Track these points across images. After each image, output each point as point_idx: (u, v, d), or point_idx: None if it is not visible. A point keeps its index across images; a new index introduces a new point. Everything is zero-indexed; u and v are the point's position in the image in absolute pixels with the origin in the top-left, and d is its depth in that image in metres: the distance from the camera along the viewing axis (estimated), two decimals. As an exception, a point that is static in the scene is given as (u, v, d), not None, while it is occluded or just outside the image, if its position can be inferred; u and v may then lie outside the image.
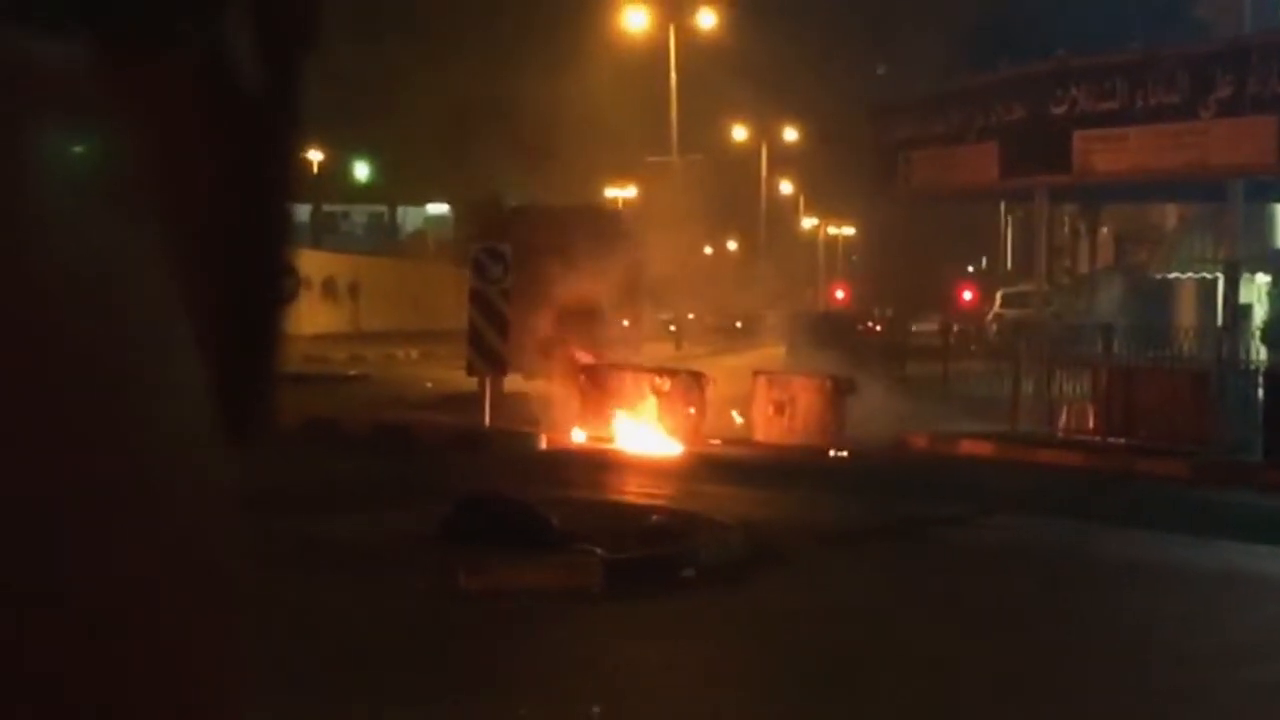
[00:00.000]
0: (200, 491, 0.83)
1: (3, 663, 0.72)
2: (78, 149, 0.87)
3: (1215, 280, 43.22)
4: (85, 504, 0.76)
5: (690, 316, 69.19)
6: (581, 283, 27.92)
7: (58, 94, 0.86)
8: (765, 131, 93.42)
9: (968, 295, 66.07)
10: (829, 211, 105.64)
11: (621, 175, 79.52)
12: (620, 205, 72.17)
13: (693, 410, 25.66)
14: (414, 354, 48.38)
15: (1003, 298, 57.06)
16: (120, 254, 0.83)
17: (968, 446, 25.90)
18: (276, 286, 1.05)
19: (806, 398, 26.41)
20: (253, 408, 1.03)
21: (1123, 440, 25.18)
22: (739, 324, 79.20)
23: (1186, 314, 43.57)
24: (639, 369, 27.82)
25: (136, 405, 0.80)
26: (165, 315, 0.84)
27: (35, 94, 0.84)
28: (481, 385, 23.57)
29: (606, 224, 34.03)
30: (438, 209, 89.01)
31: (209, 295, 0.97)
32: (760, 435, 26.47)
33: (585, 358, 27.89)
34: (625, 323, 30.86)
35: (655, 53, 66.79)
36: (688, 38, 67.43)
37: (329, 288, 59.75)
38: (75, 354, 0.78)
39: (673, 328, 69.37)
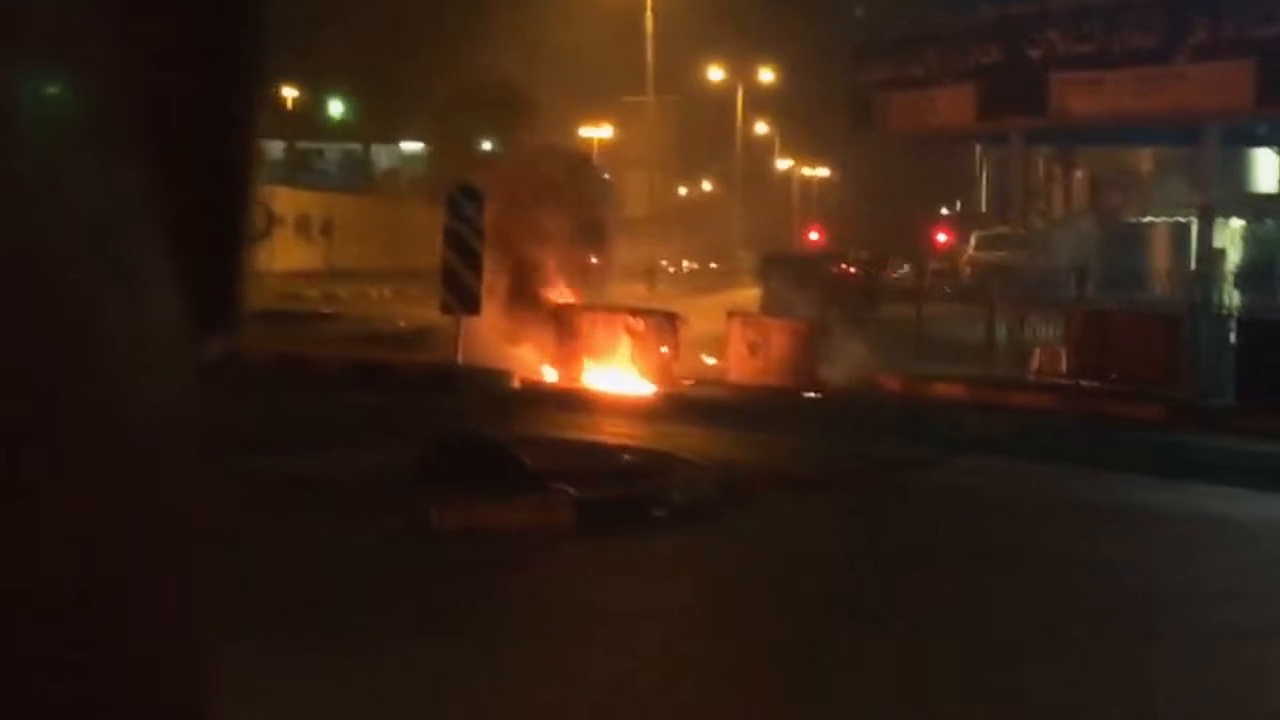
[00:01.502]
0: (169, 423, 0.82)
1: None
2: (49, 84, 0.85)
3: (1189, 224, 43.35)
4: (55, 427, 0.75)
5: (663, 263, 69.13)
6: (552, 222, 27.90)
7: (33, 30, 0.84)
8: (742, 72, 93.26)
9: (943, 237, 66.12)
10: (805, 153, 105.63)
11: (597, 115, 79.37)
12: (595, 145, 72.14)
13: (666, 351, 25.67)
14: (387, 292, 48.31)
15: (978, 240, 57.09)
16: (91, 179, 0.82)
17: (940, 389, 25.94)
18: (244, 183, 1.05)
19: (780, 339, 26.44)
20: (222, 300, 1.03)
21: (1095, 383, 25.24)
22: (713, 265, 79.25)
23: (1161, 257, 43.75)
24: (612, 309, 27.82)
25: (108, 323, 0.79)
26: (136, 237, 0.83)
27: (11, 29, 0.82)
28: (455, 324, 23.53)
29: (577, 166, 34.04)
30: (412, 147, 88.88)
31: (178, 194, 0.96)
32: (733, 376, 26.50)
33: (559, 297, 27.89)
34: (594, 260, 31.01)
35: (632, -8, 66.66)
36: (664, -24, 67.32)
37: (302, 225, 59.56)
38: (47, 265, 0.76)
39: (671, 268, 69.44)
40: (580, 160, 37.20)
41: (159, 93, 1.00)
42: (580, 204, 29.70)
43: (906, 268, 42.22)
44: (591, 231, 30.47)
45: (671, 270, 73.31)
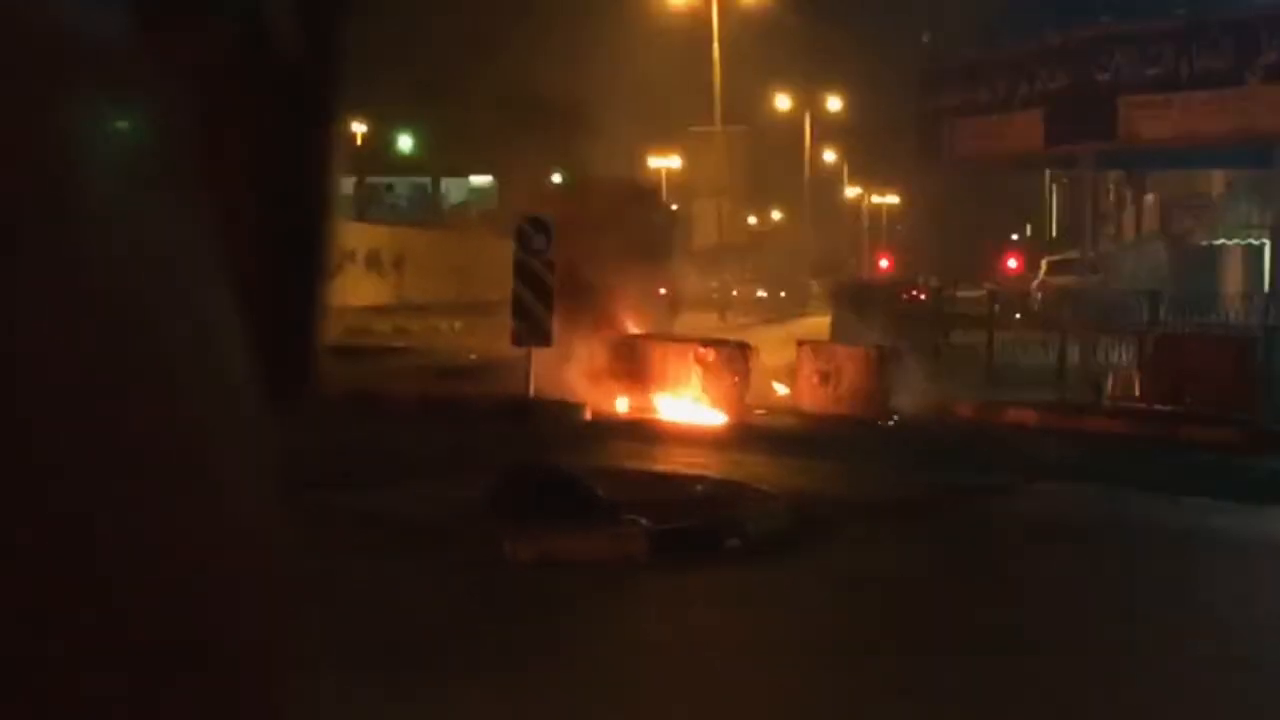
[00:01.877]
0: (244, 460, 0.83)
1: (42, 638, 0.72)
2: (119, 122, 0.87)
3: (1262, 246, 43.06)
4: (131, 472, 0.76)
5: (734, 293, 69.14)
6: (620, 255, 28.00)
7: (98, 68, 0.86)
8: (809, 101, 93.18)
9: (1013, 263, 65.83)
10: (873, 180, 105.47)
11: (666, 146, 79.44)
12: (664, 175, 72.20)
13: (737, 380, 25.64)
14: (458, 325, 48.42)
15: (1048, 265, 56.80)
16: (162, 222, 0.83)
17: (1014, 415, 25.82)
18: (318, 251, 1.06)
19: (851, 367, 26.37)
20: (294, 370, 1.04)
21: (1169, 408, 25.08)
22: (783, 294, 79.10)
23: (1233, 280, 43.42)
24: (683, 339, 27.83)
25: (180, 373, 0.80)
26: (208, 282, 0.84)
27: (76, 69, 0.84)
28: (527, 356, 23.56)
29: (643, 197, 34.29)
30: (481, 180, 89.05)
31: (252, 260, 0.98)
32: (805, 405, 26.44)
33: (631, 328, 27.94)
34: (662, 291, 31.28)
35: (698, 22, 66.73)
36: (730, 6, 67.33)
37: (373, 260, 59.78)
38: (119, 323, 0.78)
39: (762, 293, 69.45)
40: (645, 191, 37.35)
41: (235, 129, 1.02)
42: (646, 235, 29.87)
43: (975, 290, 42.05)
44: (658, 262, 30.66)
45: (740, 295, 73.24)
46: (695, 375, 25.72)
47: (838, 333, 33.30)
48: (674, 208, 51.48)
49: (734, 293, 69.90)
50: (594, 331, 26.66)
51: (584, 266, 26.47)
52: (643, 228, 30.11)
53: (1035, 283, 54.40)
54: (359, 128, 69.80)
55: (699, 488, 15.84)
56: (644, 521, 13.43)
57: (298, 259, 1.08)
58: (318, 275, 1.09)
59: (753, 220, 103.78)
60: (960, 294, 35.85)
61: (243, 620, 0.82)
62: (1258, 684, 9.84)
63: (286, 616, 0.85)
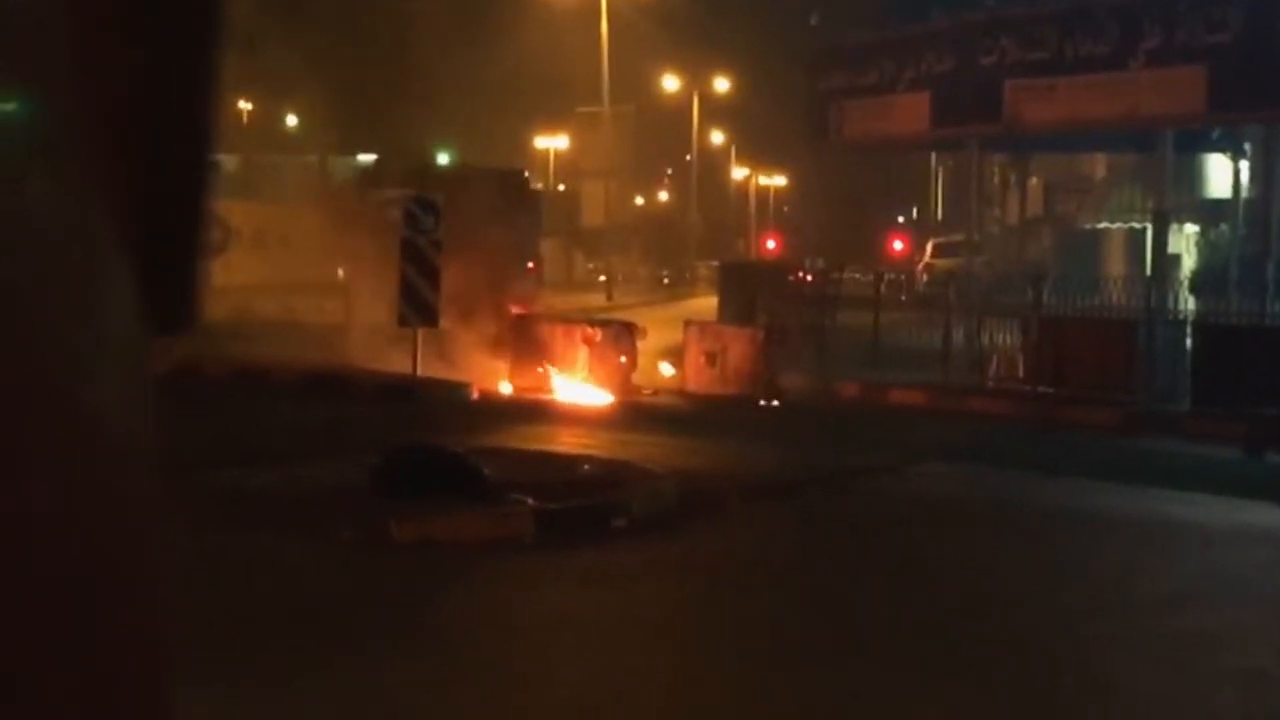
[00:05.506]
0: (123, 430, 0.82)
1: None
2: (3, 87, 0.85)
3: (1144, 230, 43.53)
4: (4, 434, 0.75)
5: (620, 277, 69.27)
6: (494, 236, 28.42)
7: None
8: (697, 81, 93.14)
9: (899, 245, 66.20)
10: (760, 162, 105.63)
11: (553, 126, 79.29)
12: (550, 155, 72.02)
13: (624, 360, 25.68)
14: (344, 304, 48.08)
15: (933, 247, 57.16)
16: (47, 181, 0.82)
17: (898, 396, 25.98)
18: (199, 174, 1.05)
19: (738, 347, 26.45)
20: (179, 298, 1.03)
21: (1052, 389, 25.29)
22: (665, 278, 79.08)
23: (1116, 263, 43.88)
24: (570, 319, 27.85)
25: (62, 332, 0.79)
26: (92, 234, 0.83)
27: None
28: (413, 336, 23.49)
29: (513, 183, 35.19)
30: (368, 159, 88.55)
31: (132, 187, 0.97)
32: (692, 385, 26.51)
33: (516, 308, 27.96)
34: (530, 265, 32.84)
35: (587, 2, 66.65)
36: (619, -14, 67.31)
37: (259, 239, 59.38)
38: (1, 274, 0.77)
39: (666, 279, 69.50)
40: (512, 174, 37.93)
41: (115, 103, 1.00)
42: (515, 215, 30.90)
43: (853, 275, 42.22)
44: (526, 240, 31.92)
45: (629, 280, 73.26)
46: (582, 355, 25.75)
47: (725, 313, 33.39)
48: (560, 188, 51.65)
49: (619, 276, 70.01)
50: (475, 309, 26.73)
51: (458, 246, 26.51)
52: (512, 209, 31.02)
53: (921, 264, 54.76)
54: (245, 106, 69.26)
55: (585, 468, 15.84)
56: (530, 501, 13.43)
57: (181, 220, 1.07)
58: (201, 199, 1.08)
59: (640, 201, 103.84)
60: (846, 275, 35.96)
61: (118, 597, 0.81)
62: (1136, 664, 9.94)
63: (166, 595, 0.84)
